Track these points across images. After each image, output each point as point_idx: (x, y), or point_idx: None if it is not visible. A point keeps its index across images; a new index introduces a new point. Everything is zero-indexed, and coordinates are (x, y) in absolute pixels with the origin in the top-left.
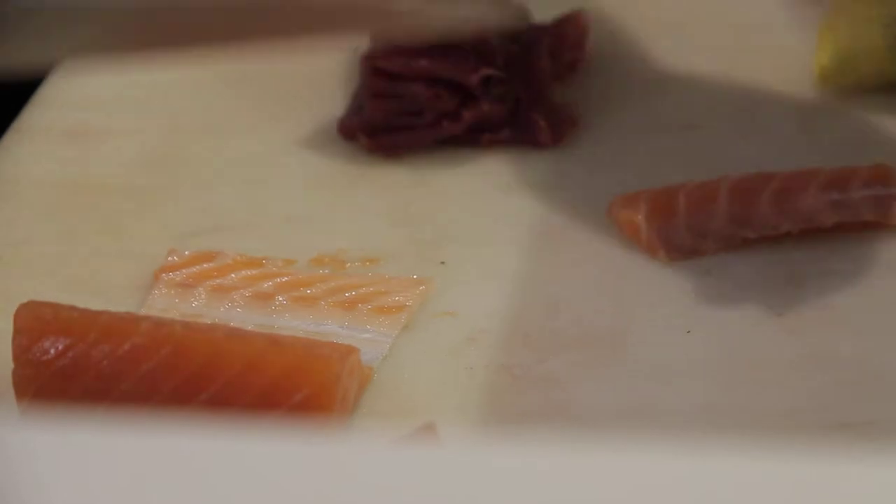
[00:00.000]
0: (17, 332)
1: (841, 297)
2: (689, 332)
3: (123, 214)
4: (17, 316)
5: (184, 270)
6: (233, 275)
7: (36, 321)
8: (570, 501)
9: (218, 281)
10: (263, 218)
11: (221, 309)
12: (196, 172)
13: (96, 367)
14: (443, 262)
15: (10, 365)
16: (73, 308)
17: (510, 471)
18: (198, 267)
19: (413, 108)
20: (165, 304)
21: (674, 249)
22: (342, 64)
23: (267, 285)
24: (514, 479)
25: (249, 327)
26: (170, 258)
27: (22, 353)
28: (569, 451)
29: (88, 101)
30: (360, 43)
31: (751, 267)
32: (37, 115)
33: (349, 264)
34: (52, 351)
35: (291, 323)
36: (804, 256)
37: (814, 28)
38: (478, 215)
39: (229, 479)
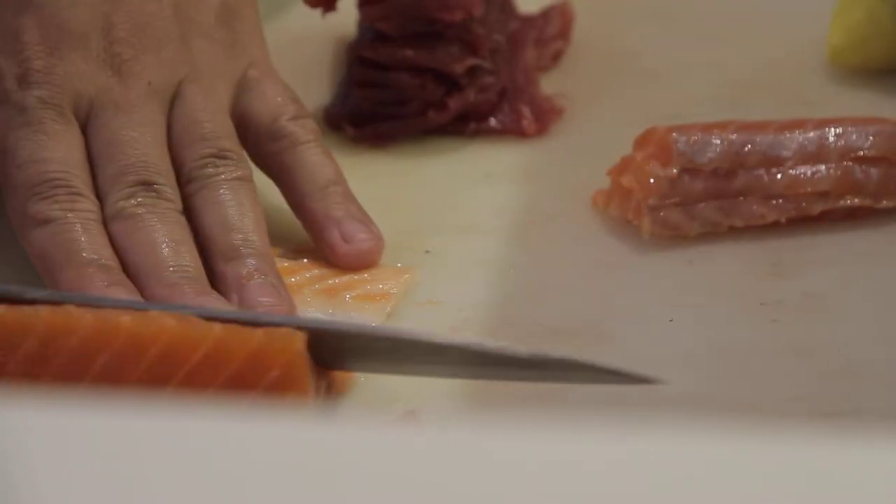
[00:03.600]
0: None
1: (825, 287)
2: (671, 321)
3: None
4: None
5: None
6: None
7: None
8: (553, 489)
9: None
10: None
11: None
12: None
13: (48, 369)
14: (427, 251)
15: None
16: (8, 309)
17: (492, 457)
18: None
19: (398, 97)
20: None
21: (659, 223)
22: (328, 53)
23: None
24: (497, 467)
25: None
26: None
27: None
28: (552, 440)
29: None
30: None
31: (734, 256)
32: None
33: None
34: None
35: None
36: (788, 246)
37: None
38: (462, 205)
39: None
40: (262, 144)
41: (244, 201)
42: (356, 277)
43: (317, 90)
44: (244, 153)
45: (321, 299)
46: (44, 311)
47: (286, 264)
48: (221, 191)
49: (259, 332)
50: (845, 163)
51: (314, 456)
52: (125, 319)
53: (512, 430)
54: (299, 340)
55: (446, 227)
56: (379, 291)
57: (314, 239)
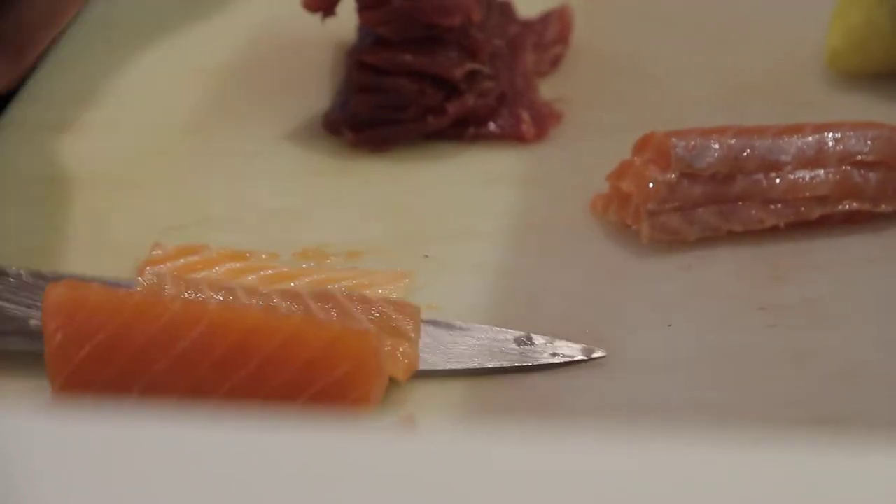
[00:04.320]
0: (47, 313)
1: (823, 291)
2: (670, 325)
3: (108, 208)
4: (48, 295)
5: (168, 264)
6: (216, 268)
7: (66, 300)
8: (550, 494)
9: (202, 274)
10: (248, 212)
11: None
12: (181, 166)
13: (130, 348)
14: (426, 256)
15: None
16: (102, 288)
17: (492, 463)
18: (182, 260)
19: (398, 102)
20: None
21: (657, 227)
22: (327, 58)
23: (251, 279)
24: (496, 473)
25: None
26: (154, 252)
27: (53, 335)
28: (550, 445)
29: (74, 95)
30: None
31: (732, 261)
32: (22, 110)
33: (333, 258)
34: (84, 332)
35: None
36: (786, 251)
37: (823, 11)
38: (461, 209)
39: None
40: None
41: None
42: (356, 282)
43: (316, 95)
44: None
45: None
46: (135, 295)
47: (286, 270)
48: None
49: (335, 325)
50: (844, 167)
51: (313, 459)
52: (211, 305)
53: (510, 438)
54: (373, 339)
55: (445, 232)
56: (378, 296)
57: None
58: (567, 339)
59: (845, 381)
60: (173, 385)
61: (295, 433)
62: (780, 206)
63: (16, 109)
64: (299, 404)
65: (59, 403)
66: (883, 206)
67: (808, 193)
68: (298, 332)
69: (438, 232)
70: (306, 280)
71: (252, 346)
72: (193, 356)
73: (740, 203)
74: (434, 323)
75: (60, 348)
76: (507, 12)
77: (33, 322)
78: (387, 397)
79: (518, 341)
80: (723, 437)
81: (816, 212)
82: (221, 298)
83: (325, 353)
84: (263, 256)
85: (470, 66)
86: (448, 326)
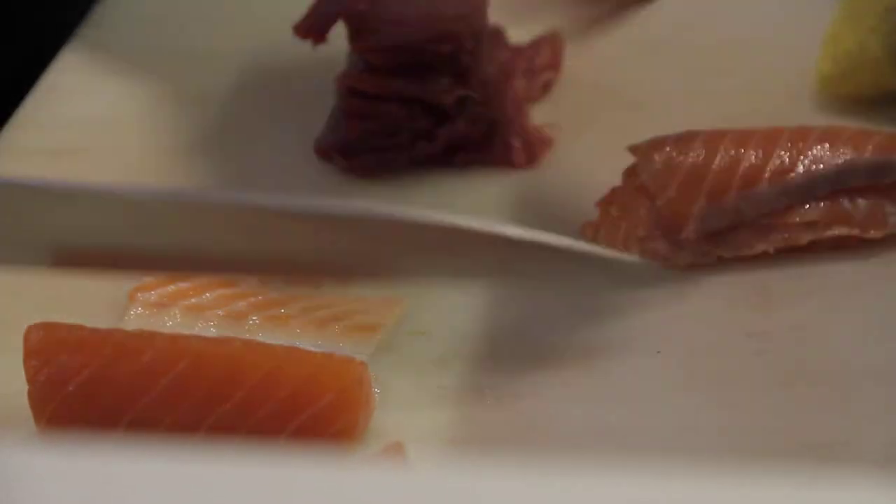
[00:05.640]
0: (29, 353)
1: (812, 318)
2: (659, 352)
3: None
4: (28, 337)
5: (158, 290)
6: (207, 294)
7: (47, 341)
8: None
9: (193, 300)
10: None
11: (196, 328)
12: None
13: (114, 385)
14: (416, 282)
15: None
16: (82, 327)
17: (480, 493)
18: (172, 287)
19: (388, 128)
20: (141, 324)
21: (647, 253)
22: (318, 84)
23: (240, 305)
24: (485, 502)
25: None
26: (144, 278)
27: (36, 374)
28: (539, 473)
29: (69, 119)
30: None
31: (721, 287)
32: (18, 135)
33: (324, 285)
34: (67, 371)
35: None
36: (776, 276)
37: (813, 37)
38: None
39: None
40: None
41: None
42: (346, 308)
43: (307, 121)
44: None
45: (311, 330)
46: (117, 332)
47: (275, 296)
48: None
49: (318, 355)
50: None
51: (300, 490)
52: (193, 340)
53: (497, 468)
54: (357, 368)
55: (435, 258)
56: (368, 322)
57: None
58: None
59: (834, 408)
60: (158, 420)
61: (281, 467)
62: (769, 231)
63: (11, 134)
64: (286, 434)
65: (44, 438)
66: (872, 231)
67: (797, 219)
68: (281, 362)
69: (428, 258)
70: (296, 306)
71: (236, 379)
72: (177, 391)
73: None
74: None
75: (44, 386)
76: (498, 39)
77: None
78: (373, 423)
79: None
80: (711, 465)
81: (806, 238)
82: (212, 326)
83: (309, 383)
84: (253, 282)
85: (461, 92)
86: None
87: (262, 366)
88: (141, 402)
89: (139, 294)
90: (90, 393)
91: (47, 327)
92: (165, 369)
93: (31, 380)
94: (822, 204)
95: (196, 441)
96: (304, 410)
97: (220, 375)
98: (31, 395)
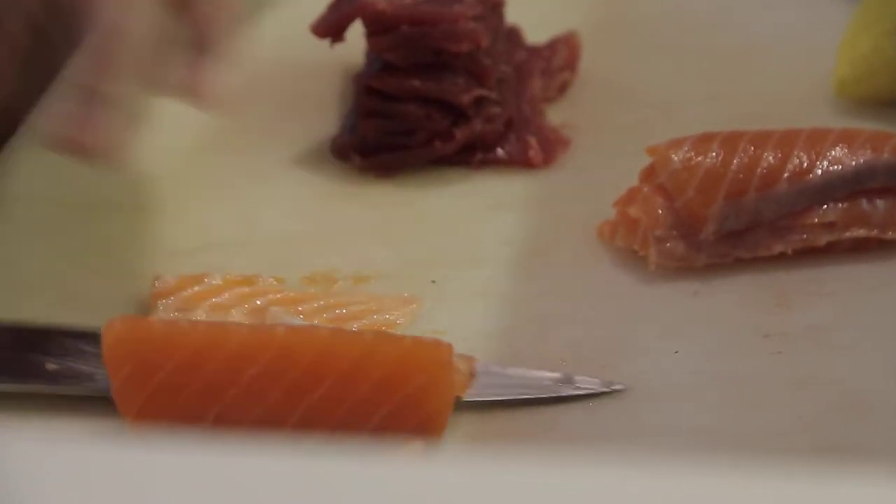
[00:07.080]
0: (108, 349)
1: (829, 319)
2: (676, 352)
3: (116, 233)
4: (108, 332)
5: (180, 294)
6: (227, 294)
7: (128, 336)
8: None
9: (215, 299)
10: (256, 236)
11: None
12: (189, 191)
13: (200, 377)
14: (433, 281)
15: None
16: (162, 321)
17: (498, 491)
18: (195, 288)
19: (405, 127)
20: None
21: (664, 254)
22: (335, 83)
23: (259, 302)
24: (503, 501)
25: None
26: (156, 283)
27: (118, 370)
28: (557, 472)
29: None
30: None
31: (739, 288)
32: (31, 133)
33: (340, 282)
34: (151, 365)
35: None
36: (793, 278)
37: (830, 41)
38: (468, 235)
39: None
40: None
41: None
42: (363, 307)
43: (324, 120)
44: None
45: None
46: (199, 324)
47: (293, 294)
48: None
49: (406, 339)
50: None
51: (316, 483)
52: (278, 330)
53: (512, 463)
54: (446, 349)
55: (452, 258)
56: (385, 321)
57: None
58: (573, 365)
59: (850, 410)
60: (247, 412)
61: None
62: (787, 232)
63: (24, 133)
64: (376, 419)
65: (134, 435)
66: (890, 233)
67: (815, 220)
68: (370, 348)
69: (446, 257)
70: (314, 305)
71: (324, 368)
72: (264, 382)
73: (747, 229)
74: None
75: (128, 381)
76: (515, 38)
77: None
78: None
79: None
80: (727, 464)
81: (824, 239)
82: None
83: (398, 368)
84: (271, 281)
85: (478, 91)
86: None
87: (351, 352)
88: (228, 393)
89: (160, 301)
90: (175, 388)
91: (125, 322)
92: (252, 360)
93: (114, 375)
94: (841, 205)
95: (289, 432)
96: (395, 394)
97: (309, 363)
98: (115, 390)
